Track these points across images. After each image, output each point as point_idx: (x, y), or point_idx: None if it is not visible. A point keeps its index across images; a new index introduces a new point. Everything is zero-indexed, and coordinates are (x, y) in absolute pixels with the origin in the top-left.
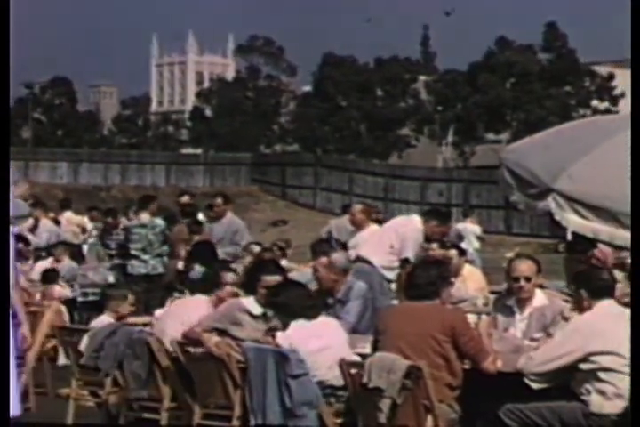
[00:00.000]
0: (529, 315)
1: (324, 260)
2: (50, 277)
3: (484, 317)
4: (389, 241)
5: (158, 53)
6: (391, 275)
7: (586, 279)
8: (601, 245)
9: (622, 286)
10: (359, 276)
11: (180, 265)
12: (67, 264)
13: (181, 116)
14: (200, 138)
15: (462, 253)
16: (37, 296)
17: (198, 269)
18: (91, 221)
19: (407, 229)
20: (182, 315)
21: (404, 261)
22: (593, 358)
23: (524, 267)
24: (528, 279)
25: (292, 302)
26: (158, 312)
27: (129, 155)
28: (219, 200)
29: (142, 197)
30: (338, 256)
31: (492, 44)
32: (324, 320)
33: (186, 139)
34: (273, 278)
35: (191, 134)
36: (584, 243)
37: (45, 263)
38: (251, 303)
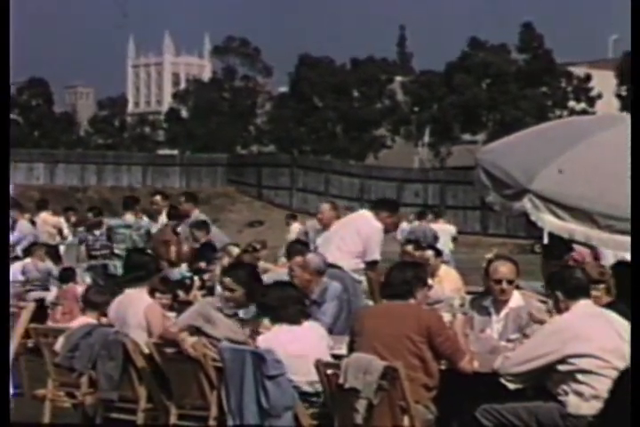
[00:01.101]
0: (505, 316)
1: (298, 260)
2: (67, 276)
3: (459, 315)
4: (354, 246)
5: (135, 54)
6: (360, 277)
7: (560, 280)
8: (578, 247)
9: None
10: (333, 279)
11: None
12: (43, 265)
13: (158, 117)
14: (176, 139)
15: (438, 253)
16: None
17: (179, 271)
18: (67, 221)
19: (370, 231)
20: (124, 315)
21: (372, 263)
22: (571, 360)
23: (506, 269)
24: (510, 282)
25: (279, 304)
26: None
27: (105, 156)
28: (181, 199)
29: (127, 197)
30: (312, 257)
31: (466, 46)
32: (308, 326)
33: (162, 140)
34: (227, 280)
35: (167, 135)
36: (560, 247)
37: (19, 264)
38: (223, 303)
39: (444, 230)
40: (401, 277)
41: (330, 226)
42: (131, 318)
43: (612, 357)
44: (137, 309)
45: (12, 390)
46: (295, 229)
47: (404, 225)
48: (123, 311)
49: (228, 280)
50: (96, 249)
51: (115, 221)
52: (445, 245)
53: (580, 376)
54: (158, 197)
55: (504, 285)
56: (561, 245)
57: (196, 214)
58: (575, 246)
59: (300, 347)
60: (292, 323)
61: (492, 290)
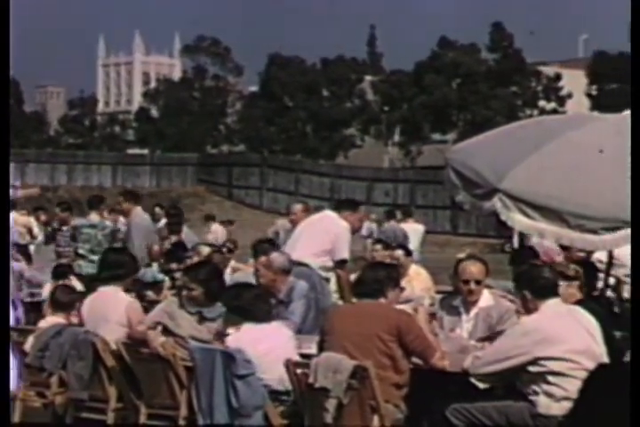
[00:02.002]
0: (475, 315)
1: (263, 259)
2: (61, 272)
3: (420, 309)
4: (322, 244)
5: (105, 53)
6: (327, 273)
7: (528, 279)
8: (546, 248)
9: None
10: (300, 278)
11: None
12: (17, 265)
13: (128, 116)
14: (146, 138)
15: (408, 253)
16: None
17: (151, 272)
18: (37, 221)
19: (338, 230)
20: (103, 312)
21: (341, 262)
22: (541, 362)
23: (475, 269)
24: (478, 282)
25: (250, 307)
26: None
27: (75, 155)
28: (120, 198)
29: (91, 197)
30: (276, 256)
31: (435, 45)
32: (276, 325)
33: (132, 139)
34: (184, 280)
35: (138, 135)
36: (528, 254)
37: None
38: (187, 301)
39: (415, 230)
40: (373, 276)
41: None
42: (111, 314)
43: (583, 358)
44: (117, 306)
45: None
46: (217, 229)
47: (372, 225)
48: (100, 308)
49: (186, 279)
50: (61, 246)
51: (79, 221)
52: (414, 244)
53: (550, 378)
54: (121, 198)
55: (472, 285)
56: (528, 251)
57: (135, 213)
58: (544, 247)
59: (269, 346)
60: (261, 322)
61: (461, 290)
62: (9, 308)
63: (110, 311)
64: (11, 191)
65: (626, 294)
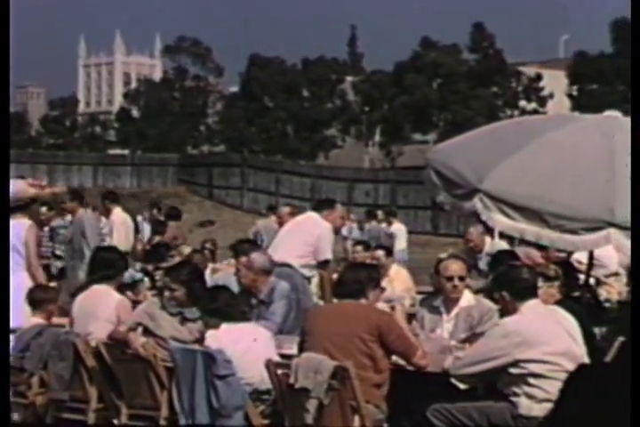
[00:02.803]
0: (455, 315)
1: (243, 260)
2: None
3: (397, 307)
4: (305, 244)
5: (85, 54)
6: (309, 273)
7: (506, 281)
8: (528, 251)
9: (546, 290)
10: (281, 279)
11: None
12: None
13: (109, 116)
14: (127, 139)
15: (389, 253)
16: None
17: (131, 273)
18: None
19: (321, 230)
20: (93, 310)
21: (324, 263)
22: (522, 364)
23: (457, 267)
24: (461, 278)
25: (227, 309)
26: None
27: (56, 155)
28: (66, 197)
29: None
30: (256, 256)
31: (416, 45)
32: (252, 325)
33: (113, 139)
34: (166, 280)
35: (118, 135)
36: (507, 258)
37: None
38: (167, 302)
39: (402, 230)
40: (353, 276)
41: None
42: (100, 312)
43: (563, 359)
44: (107, 304)
45: None
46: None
47: (352, 225)
48: (90, 306)
49: (167, 280)
50: (42, 246)
51: (57, 222)
52: (402, 244)
53: (531, 380)
54: (67, 197)
55: (456, 281)
56: (507, 256)
57: (80, 214)
58: (526, 250)
59: (248, 344)
60: (240, 321)
61: (444, 288)
62: (9, 307)
63: (100, 309)
64: (37, 190)
65: (604, 293)
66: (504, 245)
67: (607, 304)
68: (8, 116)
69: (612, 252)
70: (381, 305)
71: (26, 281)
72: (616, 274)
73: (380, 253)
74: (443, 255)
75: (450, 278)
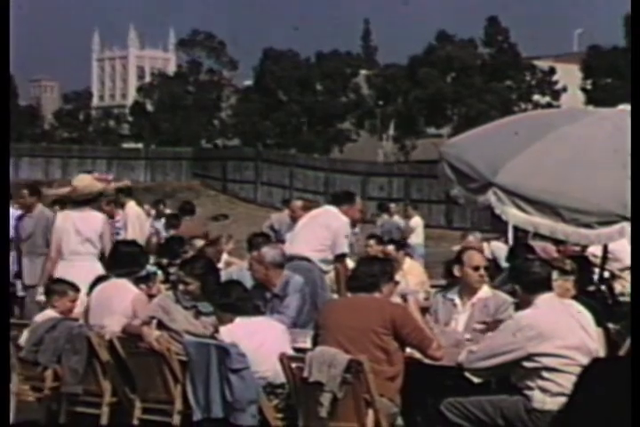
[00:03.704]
0: (471, 305)
1: (254, 254)
2: None
3: (410, 298)
4: (323, 238)
5: (99, 48)
6: (327, 266)
7: (519, 274)
8: (542, 243)
9: (562, 284)
10: (299, 273)
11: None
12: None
13: (122, 110)
14: (141, 132)
15: (401, 247)
16: None
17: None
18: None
19: (338, 224)
20: (109, 303)
21: (340, 256)
22: (535, 358)
23: (479, 257)
24: (486, 268)
25: (240, 303)
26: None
27: (70, 149)
28: (24, 192)
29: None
30: (267, 250)
31: (432, 39)
32: (265, 319)
33: (127, 133)
34: (181, 274)
35: (132, 129)
36: (523, 250)
37: None
38: (181, 296)
39: (419, 224)
40: (367, 270)
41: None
42: (117, 305)
43: (577, 353)
44: (124, 297)
45: None
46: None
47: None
48: (106, 298)
49: (182, 274)
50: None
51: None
52: (420, 238)
53: (544, 373)
54: (25, 191)
55: (482, 271)
56: (524, 248)
57: (40, 209)
58: (543, 245)
59: (262, 338)
60: (252, 316)
61: (469, 278)
62: (9, 305)
63: (117, 302)
64: (103, 184)
65: (619, 287)
66: (502, 246)
67: (622, 298)
68: (9, 116)
69: (626, 246)
70: (395, 299)
71: (101, 271)
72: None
73: (391, 247)
74: (456, 248)
75: (476, 268)
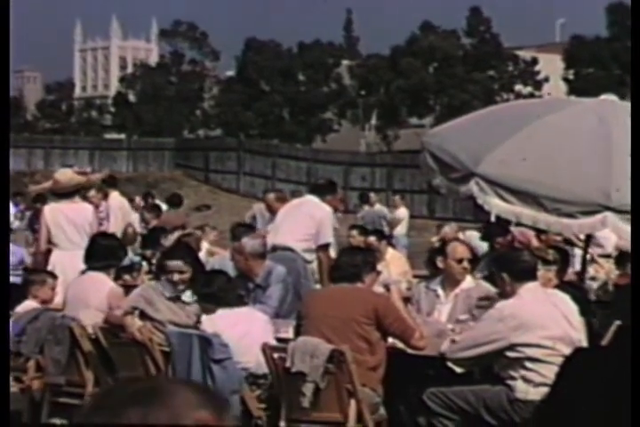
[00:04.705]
0: (455, 296)
1: (236, 244)
2: None
3: (392, 287)
4: (306, 228)
5: (82, 38)
6: (311, 256)
7: (507, 262)
8: (521, 228)
9: (544, 274)
10: (283, 263)
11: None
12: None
13: (105, 101)
14: (123, 123)
15: (383, 237)
16: None
17: (129, 256)
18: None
19: (322, 214)
20: (85, 296)
21: (324, 246)
22: (518, 348)
23: (463, 249)
24: (469, 260)
25: (222, 294)
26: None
27: (52, 140)
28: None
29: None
30: (246, 240)
31: (415, 29)
32: (248, 310)
33: (109, 124)
34: (173, 264)
35: (115, 119)
36: (497, 230)
37: None
38: (164, 286)
39: (405, 215)
40: (349, 261)
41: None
42: (92, 299)
43: (560, 344)
44: (100, 291)
45: None
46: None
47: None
48: (82, 292)
49: (178, 263)
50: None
51: None
52: (404, 229)
53: (527, 363)
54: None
55: (465, 263)
56: (497, 226)
57: (115, 196)
58: (521, 229)
59: (245, 329)
60: (235, 306)
61: (452, 270)
62: (9, 305)
63: (92, 296)
64: (82, 177)
65: (592, 271)
66: (476, 235)
67: (593, 283)
68: (8, 112)
69: (610, 234)
70: (377, 288)
71: None
72: (610, 256)
73: (372, 239)
74: (434, 239)
75: (460, 261)
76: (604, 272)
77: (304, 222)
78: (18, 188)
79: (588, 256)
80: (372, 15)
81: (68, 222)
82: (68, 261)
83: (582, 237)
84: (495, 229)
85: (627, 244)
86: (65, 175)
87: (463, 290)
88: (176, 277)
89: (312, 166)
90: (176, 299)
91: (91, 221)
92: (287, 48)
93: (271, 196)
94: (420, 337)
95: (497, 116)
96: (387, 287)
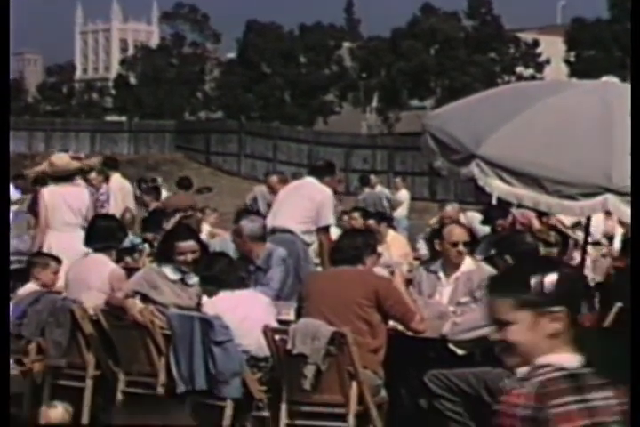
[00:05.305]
0: (455, 279)
1: (235, 227)
2: None
3: (396, 272)
4: (306, 210)
5: (83, 21)
6: (310, 239)
7: (510, 244)
8: (522, 210)
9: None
10: (283, 245)
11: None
12: None
13: (106, 83)
14: (124, 105)
15: (383, 219)
16: None
17: (131, 238)
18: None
19: (322, 196)
20: (86, 278)
21: (325, 228)
22: None
23: (460, 231)
24: (465, 244)
25: (223, 276)
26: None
27: (53, 122)
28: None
29: None
30: (245, 223)
31: (416, 11)
32: (251, 292)
33: (110, 106)
34: (186, 244)
35: (115, 102)
36: (498, 213)
37: None
38: (168, 269)
39: (406, 197)
40: (350, 243)
41: None
42: (93, 281)
43: None
44: (101, 273)
45: None
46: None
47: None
48: (83, 274)
49: (190, 243)
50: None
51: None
52: (405, 211)
53: None
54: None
55: (460, 247)
56: (498, 209)
57: (116, 178)
58: (522, 210)
59: (246, 311)
60: (237, 288)
61: (448, 253)
62: (9, 305)
63: (93, 278)
64: (77, 163)
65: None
66: (478, 216)
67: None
68: (8, 106)
69: (599, 221)
70: (381, 271)
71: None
72: (598, 243)
73: (371, 222)
74: (433, 220)
75: (455, 244)
76: (590, 260)
77: (303, 205)
78: (19, 170)
79: (572, 242)
80: None
81: (66, 205)
82: (64, 242)
83: (568, 223)
84: (496, 211)
85: (613, 229)
86: (62, 160)
87: (464, 273)
88: (189, 257)
89: (313, 149)
90: (179, 281)
91: (87, 204)
92: (288, 30)
93: (274, 178)
94: (420, 321)
95: (498, 98)
96: (391, 271)
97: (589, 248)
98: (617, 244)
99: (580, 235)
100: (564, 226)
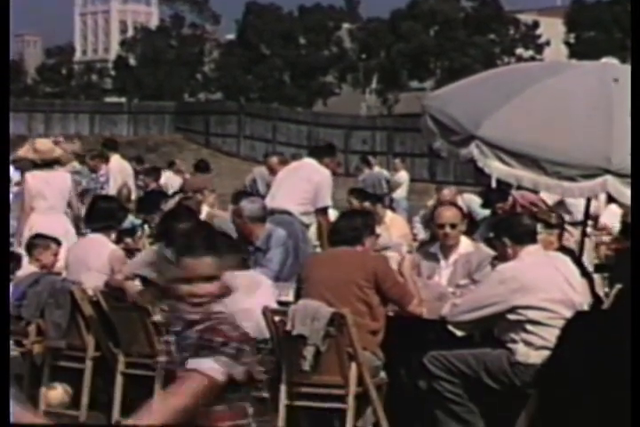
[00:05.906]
0: (454, 261)
1: (235, 208)
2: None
3: (407, 256)
4: (304, 192)
5: (82, 2)
6: (308, 220)
7: (508, 226)
8: (522, 191)
9: (546, 237)
10: (281, 227)
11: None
12: None
13: (105, 64)
14: (124, 87)
15: (378, 200)
16: None
17: (131, 219)
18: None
19: (320, 177)
20: (85, 259)
21: (323, 209)
22: (519, 311)
23: (450, 214)
24: (453, 226)
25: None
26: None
27: (53, 104)
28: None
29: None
30: (245, 204)
31: None
32: (252, 273)
33: (110, 88)
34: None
35: (115, 83)
36: (498, 196)
37: None
38: (169, 251)
39: (405, 178)
40: (349, 224)
41: None
42: (93, 262)
43: (561, 307)
44: (100, 254)
45: None
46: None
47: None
48: (83, 255)
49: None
50: None
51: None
52: (404, 193)
53: (528, 326)
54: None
55: (447, 229)
56: (496, 193)
57: (116, 158)
58: (522, 192)
59: (247, 293)
60: (237, 269)
61: (437, 235)
62: (9, 304)
63: (93, 259)
64: (58, 149)
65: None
66: (475, 198)
67: None
68: (8, 100)
69: (580, 200)
70: (390, 254)
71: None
72: (582, 223)
73: (367, 204)
74: (430, 202)
75: (441, 226)
76: (573, 241)
77: (301, 186)
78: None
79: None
80: None
81: (50, 190)
82: (44, 225)
83: (550, 201)
84: (495, 194)
85: (598, 210)
86: (45, 145)
87: (462, 255)
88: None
89: (313, 130)
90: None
91: (70, 188)
92: (288, 11)
93: (274, 159)
94: (418, 304)
95: (498, 80)
96: (402, 257)
97: (572, 229)
98: (607, 223)
99: (565, 218)
100: (546, 205)
